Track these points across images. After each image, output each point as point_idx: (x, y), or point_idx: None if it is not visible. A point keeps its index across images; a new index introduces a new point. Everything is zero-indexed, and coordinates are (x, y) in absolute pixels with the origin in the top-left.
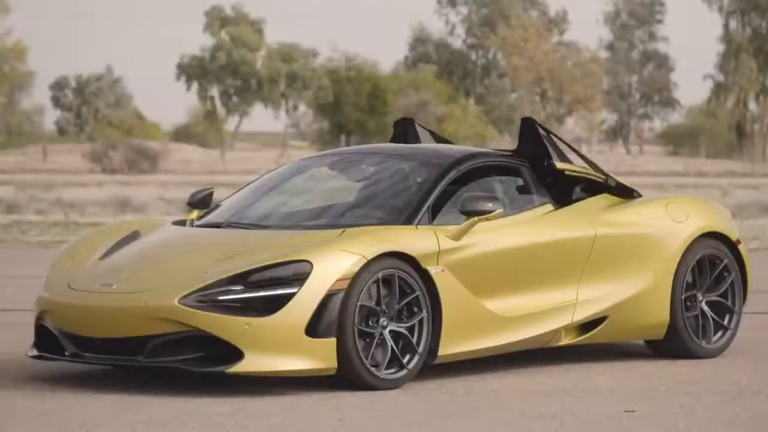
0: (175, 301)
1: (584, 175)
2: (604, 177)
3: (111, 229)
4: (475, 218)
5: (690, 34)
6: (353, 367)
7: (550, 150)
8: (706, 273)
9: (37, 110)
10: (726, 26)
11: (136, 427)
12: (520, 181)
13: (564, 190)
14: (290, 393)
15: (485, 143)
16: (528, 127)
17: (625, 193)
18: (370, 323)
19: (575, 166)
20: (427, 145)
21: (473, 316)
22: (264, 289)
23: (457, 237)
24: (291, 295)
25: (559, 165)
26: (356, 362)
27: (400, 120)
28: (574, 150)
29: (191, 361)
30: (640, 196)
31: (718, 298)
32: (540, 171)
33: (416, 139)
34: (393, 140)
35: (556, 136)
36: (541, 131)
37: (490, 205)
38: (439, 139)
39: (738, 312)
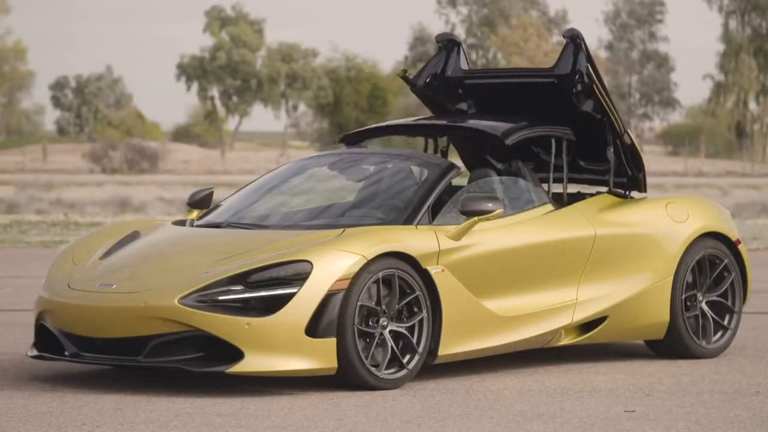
0: (175, 301)
1: (607, 108)
2: (622, 129)
3: (111, 229)
4: (475, 218)
5: (690, 34)
6: (353, 367)
7: (587, 63)
8: (706, 273)
9: (37, 110)
10: (726, 26)
11: (136, 427)
12: (520, 181)
13: (586, 105)
14: (290, 393)
15: None
16: (572, 42)
17: (633, 159)
18: (370, 323)
19: (604, 93)
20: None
21: (473, 316)
22: (264, 289)
23: (457, 237)
24: (291, 295)
25: (593, 75)
26: (356, 362)
27: (449, 40)
28: (606, 92)
29: (191, 361)
30: (644, 173)
31: (718, 298)
32: (569, 84)
33: (457, 63)
34: (430, 61)
35: (594, 66)
36: (585, 50)
37: (490, 205)
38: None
39: (738, 312)
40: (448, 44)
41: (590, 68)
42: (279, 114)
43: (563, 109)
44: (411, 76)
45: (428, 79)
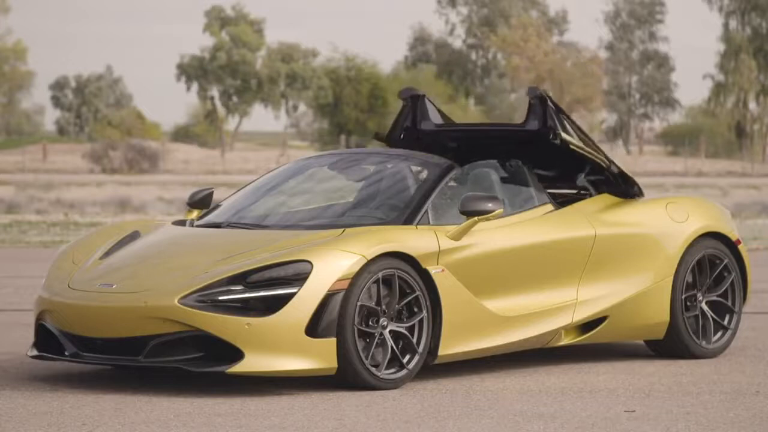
0: (175, 301)
1: (588, 154)
2: (607, 162)
3: (111, 229)
4: (475, 218)
5: (690, 34)
6: (353, 367)
7: (557, 124)
8: (706, 273)
9: (37, 110)
10: (726, 26)
11: (136, 427)
12: (520, 181)
13: (567, 165)
14: (290, 393)
15: None
16: (537, 100)
17: (626, 183)
18: (370, 323)
19: (580, 143)
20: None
21: (473, 316)
22: (264, 289)
23: (457, 237)
24: (291, 295)
25: (565, 136)
26: (356, 362)
27: (412, 96)
28: (580, 131)
29: (191, 361)
30: (639, 187)
31: (718, 298)
32: (544, 145)
33: (426, 114)
34: (399, 116)
35: (565, 114)
36: (551, 105)
37: (490, 205)
38: (447, 119)
39: (738, 312)
40: (413, 99)
41: (559, 122)
42: (279, 114)
43: (544, 150)
44: (384, 135)
45: (402, 135)
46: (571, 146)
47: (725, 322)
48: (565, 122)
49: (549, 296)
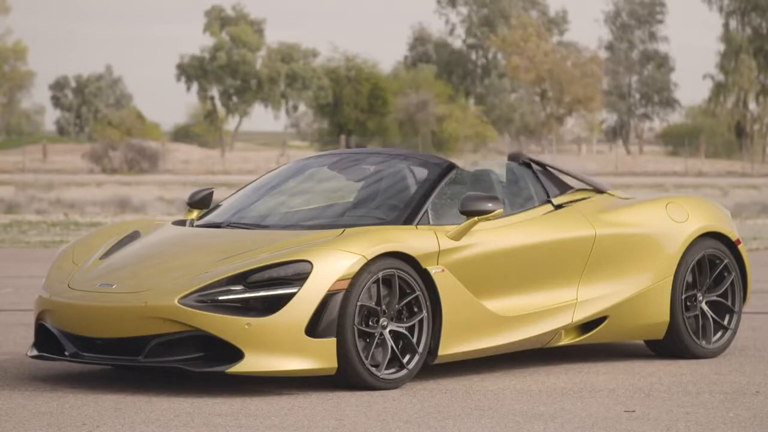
0: (175, 301)
1: (584, 198)
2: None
3: (111, 229)
4: (475, 218)
5: (690, 34)
6: (353, 367)
7: (546, 186)
8: (706, 273)
9: (37, 110)
10: (726, 26)
11: (136, 427)
12: (520, 181)
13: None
14: (290, 393)
15: (485, 143)
16: (522, 167)
17: None
18: (370, 323)
19: (573, 194)
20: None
21: (473, 316)
22: (264, 289)
23: (457, 237)
24: (291, 295)
25: (557, 200)
26: (356, 362)
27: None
28: (568, 175)
29: (191, 361)
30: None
31: (718, 298)
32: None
33: None
34: None
35: (549, 166)
36: (535, 167)
37: (490, 205)
38: None
39: (738, 312)
40: None
41: (550, 180)
42: (279, 114)
43: None
44: None
45: None
46: (565, 204)
47: (725, 322)
48: (554, 173)
49: (549, 296)
